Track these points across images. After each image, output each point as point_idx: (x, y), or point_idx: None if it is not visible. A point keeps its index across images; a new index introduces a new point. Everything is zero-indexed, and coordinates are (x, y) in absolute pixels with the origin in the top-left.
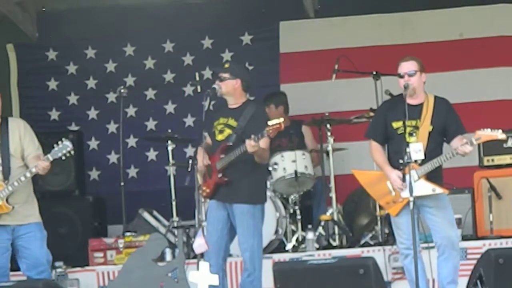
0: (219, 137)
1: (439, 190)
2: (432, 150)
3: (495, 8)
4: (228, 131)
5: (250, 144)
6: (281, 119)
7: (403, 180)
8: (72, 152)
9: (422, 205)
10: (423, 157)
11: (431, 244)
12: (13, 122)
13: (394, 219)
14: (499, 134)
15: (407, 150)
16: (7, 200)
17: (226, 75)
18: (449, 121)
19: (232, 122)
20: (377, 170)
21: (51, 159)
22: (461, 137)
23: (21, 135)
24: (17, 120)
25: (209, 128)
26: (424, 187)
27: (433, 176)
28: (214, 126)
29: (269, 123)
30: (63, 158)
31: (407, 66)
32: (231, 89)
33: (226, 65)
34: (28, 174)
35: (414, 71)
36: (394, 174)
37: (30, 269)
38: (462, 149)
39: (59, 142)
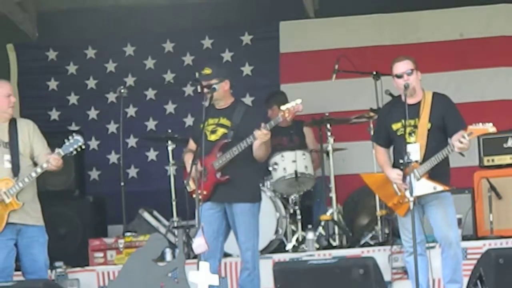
0: (212, 137)
1: (439, 187)
2: (433, 147)
3: (495, 8)
4: (222, 130)
5: (262, 133)
6: (299, 100)
7: (403, 180)
8: (84, 147)
9: (426, 203)
10: (418, 158)
11: (431, 244)
12: (21, 122)
13: (401, 218)
14: (490, 128)
15: (407, 151)
16: (17, 197)
17: (213, 81)
18: (448, 117)
19: (224, 121)
20: (381, 172)
21: (62, 154)
22: (461, 132)
23: (30, 134)
24: (25, 120)
25: (194, 133)
26: (425, 186)
27: (439, 174)
28: (204, 128)
29: (283, 107)
30: (74, 153)
31: (404, 66)
32: (221, 92)
33: (208, 71)
34: (39, 170)
35: (411, 70)
36: (394, 173)
37: (29, 273)
38: (456, 144)
39: (70, 137)
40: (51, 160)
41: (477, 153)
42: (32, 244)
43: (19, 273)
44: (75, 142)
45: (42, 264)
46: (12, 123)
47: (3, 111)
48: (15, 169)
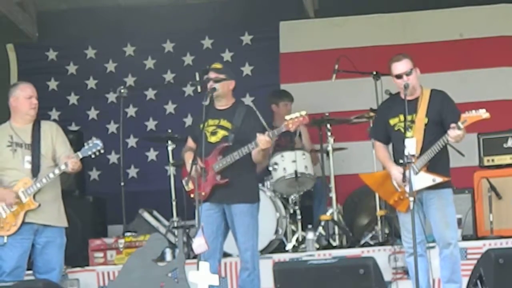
0: (212, 139)
1: (439, 179)
2: (430, 142)
3: (495, 8)
4: (222, 132)
5: (265, 140)
6: (304, 112)
7: (403, 177)
8: (102, 151)
9: (426, 202)
10: (415, 152)
11: (430, 244)
12: (45, 125)
13: (402, 218)
14: (483, 114)
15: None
16: (34, 197)
17: (222, 76)
18: (444, 111)
19: (225, 123)
20: (380, 170)
21: (80, 156)
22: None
23: (53, 137)
24: (49, 122)
25: (193, 132)
26: (424, 179)
27: (438, 167)
28: (204, 129)
29: (287, 117)
30: (93, 156)
31: (403, 66)
32: (226, 90)
33: (219, 66)
34: (56, 171)
35: (410, 69)
36: (396, 170)
37: (42, 273)
38: (450, 133)
39: (89, 141)
40: (69, 162)
41: (477, 153)
42: (48, 245)
43: (30, 272)
44: (94, 146)
45: (55, 265)
46: (36, 125)
47: (24, 113)
48: (35, 170)
